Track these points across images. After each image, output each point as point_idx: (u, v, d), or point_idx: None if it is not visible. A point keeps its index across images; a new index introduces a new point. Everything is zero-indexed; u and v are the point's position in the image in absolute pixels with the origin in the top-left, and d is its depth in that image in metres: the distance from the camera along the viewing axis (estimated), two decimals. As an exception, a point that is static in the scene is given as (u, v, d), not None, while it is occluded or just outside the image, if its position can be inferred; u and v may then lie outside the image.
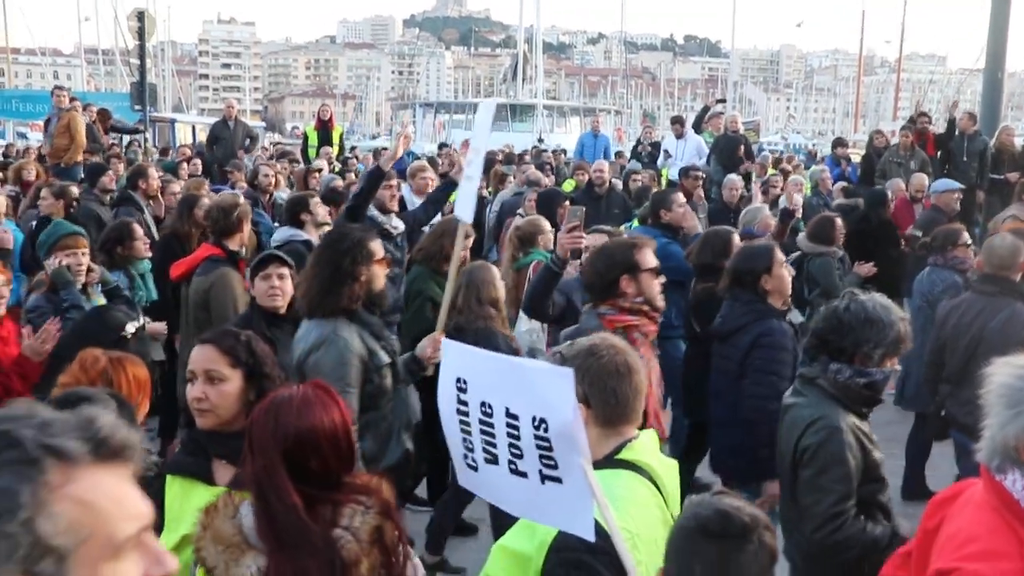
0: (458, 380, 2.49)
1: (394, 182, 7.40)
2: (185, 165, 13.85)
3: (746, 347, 4.94)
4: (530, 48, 54.27)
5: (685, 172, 12.04)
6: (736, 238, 6.30)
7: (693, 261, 6.46)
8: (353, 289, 4.38)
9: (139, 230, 6.73)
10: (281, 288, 4.92)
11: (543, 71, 56.95)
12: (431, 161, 15.84)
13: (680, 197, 6.93)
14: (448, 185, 7.39)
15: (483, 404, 2.42)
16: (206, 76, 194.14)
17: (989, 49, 18.29)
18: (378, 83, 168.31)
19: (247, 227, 6.31)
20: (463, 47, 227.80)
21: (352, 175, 12.53)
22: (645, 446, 2.85)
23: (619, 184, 12.73)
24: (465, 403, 2.47)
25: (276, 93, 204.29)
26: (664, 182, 14.20)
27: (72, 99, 13.79)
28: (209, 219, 6.44)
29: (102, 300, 5.76)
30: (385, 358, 4.46)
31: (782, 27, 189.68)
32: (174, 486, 3.03)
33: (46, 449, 1.22)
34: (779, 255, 5.19)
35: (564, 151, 22.70)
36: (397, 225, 7.26)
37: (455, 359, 2.55)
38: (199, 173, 13.16)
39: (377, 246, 4.56)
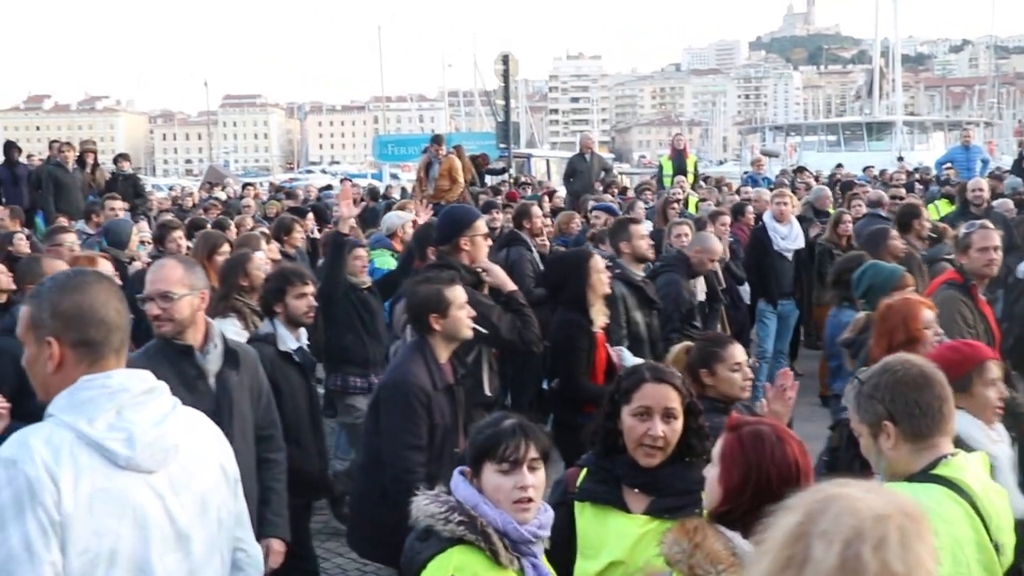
0: None
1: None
2: (546, 199, 14.50)
3: None
4: (886, 61, 51.59)
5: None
6: None
7: None
8: None
9: None
10: None
11: (901, 85, 53.93)
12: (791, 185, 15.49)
13: None
14: None
15: None
16: (555, 111, 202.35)
17: None
18: (724, 108, 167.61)
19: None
20: (812, 66, 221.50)
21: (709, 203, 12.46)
22: (966, 466, 2.79)
23: (1009, 204, 11.52)
24: None
25: (622, 124, 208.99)
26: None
27: (445, 145, 15.25)
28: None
29: None
30: None
31: None
32: (585, 512, 3.20)
33: None
34: None
35: (927, 169, 21.29)
36: None
37: None
38: (564, 206, 13.75)
39: None
